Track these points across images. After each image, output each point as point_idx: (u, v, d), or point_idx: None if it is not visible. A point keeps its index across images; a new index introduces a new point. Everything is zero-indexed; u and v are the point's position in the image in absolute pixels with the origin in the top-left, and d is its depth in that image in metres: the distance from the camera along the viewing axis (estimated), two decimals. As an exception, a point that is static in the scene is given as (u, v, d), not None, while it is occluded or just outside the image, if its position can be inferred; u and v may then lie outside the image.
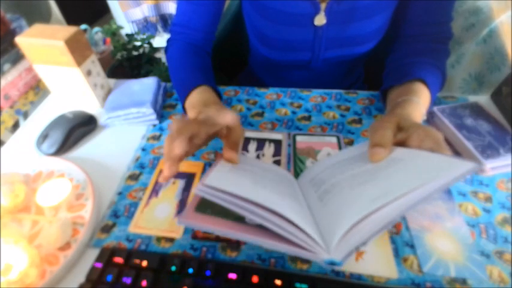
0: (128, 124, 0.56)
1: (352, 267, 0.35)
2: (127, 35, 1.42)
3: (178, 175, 0.46)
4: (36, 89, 0.86)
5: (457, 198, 0.41)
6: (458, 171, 0.28)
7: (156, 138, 0.53)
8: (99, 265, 0.35)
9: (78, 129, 0.53)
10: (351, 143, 0.50)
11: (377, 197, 0.29)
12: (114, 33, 1.47)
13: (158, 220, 0.40)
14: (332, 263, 0.27)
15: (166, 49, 0.61)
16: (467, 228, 0.38)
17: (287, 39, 0.57)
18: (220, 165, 0.37)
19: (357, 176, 0.34)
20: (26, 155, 0.52)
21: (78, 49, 0.52)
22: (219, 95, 0.51)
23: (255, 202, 0.29)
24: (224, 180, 0.33)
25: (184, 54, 0.56)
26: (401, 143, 0.37)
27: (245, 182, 0.34)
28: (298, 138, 0.51)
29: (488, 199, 0.41)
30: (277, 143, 0.51)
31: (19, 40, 0.51)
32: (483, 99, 0.56)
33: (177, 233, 0.39)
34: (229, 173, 0.35)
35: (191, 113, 0.46)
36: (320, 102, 0.58)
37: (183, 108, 0.50)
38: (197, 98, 0.47)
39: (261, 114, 0.57)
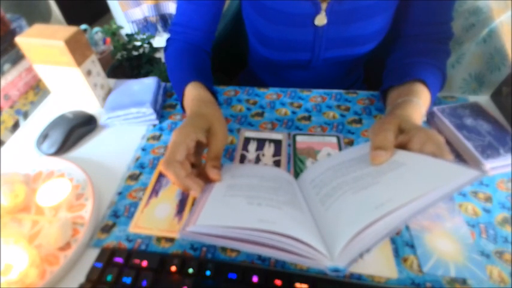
0: (127, 124, 0.56)
1: (352, 267, 0.35)
2: (127, 35, 1.42)
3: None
4: (36, 89, 0.86)
5: (457, 198, 0.41)
6: (463, 179, 0.28)
7: (156, 138, 0.53)
8: (99, 265, 0.35)
9: (78, 129, 0.53)
10: (351, 143, 0.50)
11: (381, 204, 0.29)
12: (114, 33, 1.47)
13: (158, 220, 0.40)
14: (336, 270, 0.27)
15: (165, 49, 0.61)
16: (467, 228, 0.38)
17: (287, 40, 0.57)
18: (212, 196, 0.35)
19: (358, 179, 0.34)
20: (26, 155, 0.52)
21: (78, 49, 0.52)
22: (213, 93, 0.50)
23: (251, 228, 0.29)
24: (216, 215, 0.32)
25: (182, 54, 0.56)
26: (402, 145, 0.37)
27: (239, 207, 0.33)
28: (298, 138, 0.51)
29: (488, 199, 0.41)
30: (277, 143, 0.51)
31: (19, 40, 0.51)
32: (483, 99, 0.56)
33: (177, 233, 0.39)
34: (221, 204, 0.34)
35: (187, 111, 0.47)
36: (320, 102, 0.58)
37: (182, 108, 0.51)
38: (187, 96, 0.48)
39: (261, 114, 0.57)
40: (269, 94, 0.61)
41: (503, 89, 0.53)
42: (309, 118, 0.55)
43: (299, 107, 0.58)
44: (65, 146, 0.51)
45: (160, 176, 0.46)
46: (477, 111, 0.50)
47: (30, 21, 0.80)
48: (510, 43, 0.63)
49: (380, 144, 0.36)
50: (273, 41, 0.58)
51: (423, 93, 0.45)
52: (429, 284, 0.33)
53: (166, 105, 0.60)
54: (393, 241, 0.37)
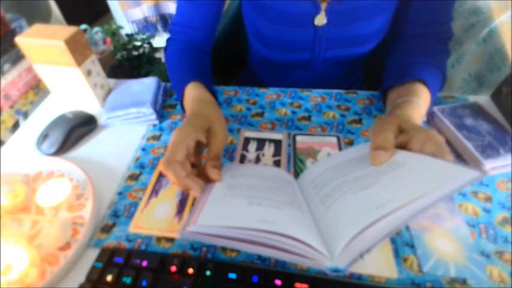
0: (127, 124, 0.56)
1: (352, 267, 0.35)
2: (127, 35, 1.42)
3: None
4: (36, 89, 0.86)
5: (457, 198, 0.41)
6: (463, 180, 0.28)
7: (156, 138, 0.53)
8: (99, 265, 0.35)
9: (78, 129, 0.53)
10: (351, 143, 0.50)
11: (381, 205, 0.29)
12: (114, 33, 1.47)
13: (158, 220, 0.40)
14: (336, 270, 0.27)
15: (165, 49, 0.61)
16: (467, 228, 0.38)
17: (287, 40, 0.57)
18: (212, 196, 0.35)
19: (358, 179, 0.34)
20: (26, 155, 0.52)
21: (78, 49, 0.52)
22: (213, 93, 0.50)
23: (251, 228, 0.29)
24: (216, 215, 0.32)
25: (182, 54, 0.56)
26: (403, 146, 0.37)
27: (239, 207, 0.33)
28: (298, 138, 0.51)
29: (488, 199, 0.41)
30: (277, 143, 0.51)
31: (19, 40, 0.51)
32: (483, 99, 0.56)
33: (177, 233, 0.39)
34: (221, 204, 0.34)
35: (187, 111, 0.47)
36: (320, 102, 0.58)
37: (182, 108, 0.51)
38: (187, 95, 0.48)
39: (261, 114, 0.57)
40: (269, 94, 0.61)
41: (503, 89, 0.53)
42: (309, 118, 0.55)
43: (299, 107, 0.58)
44: (65, 146, 0.51)
45: (160, 176, 0.46)
46: (477, 111, 0.50)
47: (30, 21, 0.80)
48: (510, 43, 0.63)
49: (380, 144, 0.36)
50: (273, 41, 0.58)
51: (423, 93, 0.45)
52: (429, 284, 0.33)
53: (166, 105, 0.60)
54: (393, 241, 0.37)
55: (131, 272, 0.34)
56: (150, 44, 1.45)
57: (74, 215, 0.41)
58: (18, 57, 0.80)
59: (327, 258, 0.28)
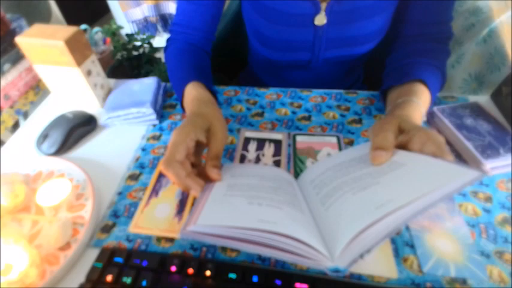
0: (128, 124, 0.56)
1: (352, 267, 0.35)
2: (127, 35, 1.42)
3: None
4: (36, 89, 0.86)
5: (457, 198, 0.41)
6: (463, 180, 0.28)
7: (156, 138, 0.53)
8: (99, 265, 0.35)
9: (78, 129, 0.53)
10: (351, 143, 0.50)
11: (381, 205, 0.29)
12: (114, 33, 1.47)
13: (158, 220, 0.40)
14: (336, 271, 0.27)
15: (165, 49, 0.61)
16: (467, 228, 0.38)
17: (287, 40, 0.57)
18: (212, 196, 0.35)
19: (358, 179, 0.34)
20: (26, 155, 0.52)
21: (78, 49, 0.52)
22: (213, 92, 0.50)
23: (251, 228, 0.29)
24: (216, 214, 0.32)
25: (182, 54, 0.56)
26: (403, 146, 0.37)
27: (239, 207, 0.33)
28: (298, 138, 0.51)
29: (488, 199, 0.41)
30: (277, 143, 0.51)
31: (19, 40, 0.51)
32: (483, 99, 0.56)
33: (177, 233, 0.39)
34: (221, 204, 0.33)
35: (187, 111, 0.47)
36: (320, 102, 0.58)
37: (182, 108, 0.51)
38: (187, 95, 0.48)
39: (261, 114, 0.57)
40: (269, 94, 0.61)
41: (503, 89, 0.53)
42: (309, 118, 0.55)
43: (299, 107, 0.58)
44: (65, 146, 0.51)
45: (160, 176, 0.46)
46: (477, 111, 0.50)
47: (30, 21, 0.80)
48: (510, 43, 0.63)
49: (380, 145, 0.36)
50: (273, 41, 0.58)
51: (423, 93, 0.45)
52: (429, 284, 0.33)
53: (166, 105, 0.60)
54: (393, 241, 0.37)
55: (131, 272, 0.34)
56: (150, 44, 1.45)
57: (74, 215, 0.41)
58: (18, 57, 0.80)
59: (327, 259, 0.28)
